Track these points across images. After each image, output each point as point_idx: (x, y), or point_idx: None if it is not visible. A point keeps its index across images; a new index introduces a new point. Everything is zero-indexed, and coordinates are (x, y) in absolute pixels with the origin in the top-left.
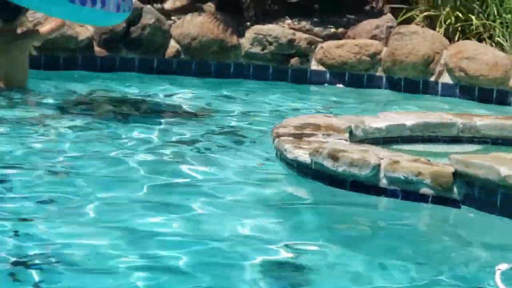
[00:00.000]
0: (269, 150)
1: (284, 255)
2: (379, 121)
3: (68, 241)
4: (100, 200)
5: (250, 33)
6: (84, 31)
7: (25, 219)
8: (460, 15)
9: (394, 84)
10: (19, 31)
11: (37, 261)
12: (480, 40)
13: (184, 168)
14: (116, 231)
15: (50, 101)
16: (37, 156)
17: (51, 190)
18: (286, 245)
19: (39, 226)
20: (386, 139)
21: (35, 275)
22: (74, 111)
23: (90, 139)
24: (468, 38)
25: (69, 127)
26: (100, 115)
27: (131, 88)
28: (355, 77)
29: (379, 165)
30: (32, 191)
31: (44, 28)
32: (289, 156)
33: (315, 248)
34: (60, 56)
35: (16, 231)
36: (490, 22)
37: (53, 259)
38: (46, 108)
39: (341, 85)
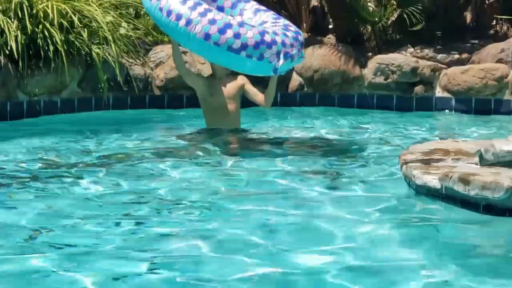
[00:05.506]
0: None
1: None
2: (510, 144)
3: None
4: None
5: (372, 63)
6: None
7: None
8: None
9: None
10: None
11: None
12: None
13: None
14: None
15: None
16: None
17: None
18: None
19: None
20: None
21: None
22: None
23: None
24: None
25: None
26: None
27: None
28: (482, 102)
29: None
30: None
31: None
32: (418, 182)
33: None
34: (183, 94)
35: None
36: None
37: None
38: None
39: (467, 111)
